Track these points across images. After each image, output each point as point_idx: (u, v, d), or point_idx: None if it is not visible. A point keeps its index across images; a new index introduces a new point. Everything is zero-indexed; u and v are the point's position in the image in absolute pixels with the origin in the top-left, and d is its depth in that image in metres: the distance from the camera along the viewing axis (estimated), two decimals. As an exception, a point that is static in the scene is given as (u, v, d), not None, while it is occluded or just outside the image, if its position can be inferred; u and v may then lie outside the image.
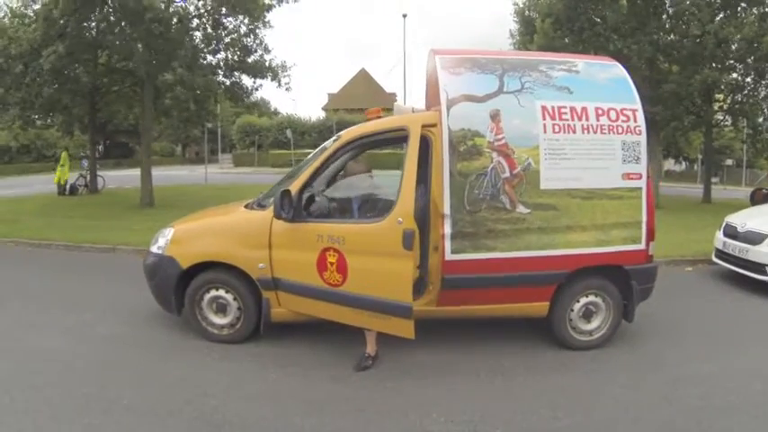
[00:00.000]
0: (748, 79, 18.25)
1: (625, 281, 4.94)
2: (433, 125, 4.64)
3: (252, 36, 16.19)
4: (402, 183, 4.31)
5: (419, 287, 4.80)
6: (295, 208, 4.62)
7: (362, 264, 4.35)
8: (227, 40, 16.04)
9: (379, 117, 5.08)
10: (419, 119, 4.69)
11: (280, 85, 16.72)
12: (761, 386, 4.51)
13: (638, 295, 4.98)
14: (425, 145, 4.67)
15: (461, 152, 4.58)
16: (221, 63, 16.60)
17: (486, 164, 4.60)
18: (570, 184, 4.70)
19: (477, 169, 4.59)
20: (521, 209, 4.65)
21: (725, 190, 29.66)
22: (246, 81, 17.29)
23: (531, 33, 19.99)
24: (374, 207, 4.89)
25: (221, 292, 4.95)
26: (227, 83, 17.04)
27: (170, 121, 20.81)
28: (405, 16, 36.38)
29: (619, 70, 5.11)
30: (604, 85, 4.97)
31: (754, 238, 7.46)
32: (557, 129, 4.68)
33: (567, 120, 4.70)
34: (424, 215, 4.77)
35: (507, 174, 4.62)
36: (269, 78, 16.58)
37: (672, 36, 17.33)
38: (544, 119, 4.67)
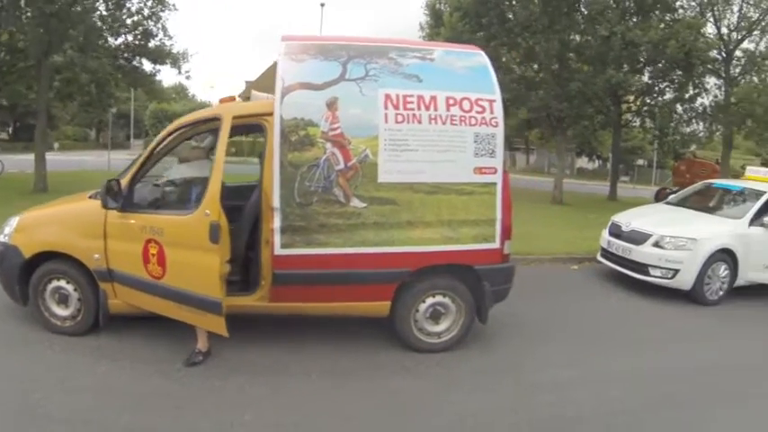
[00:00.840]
0: (662, 84, 18.73)
1: (477, 281, 4.71)
2: (266, 114, 4.41)
3: (154, 19, 15.69)
4: (211, 174, 4.08)
5: (254, 282, 4.61)
6: (125, 198, 4.43)
7: (178, 256, 4.15)
8: (129, 22, 15.50)
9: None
10: (233, 108, 4.48)
11: (180, 72, 16.52)
12: (618, 393, 4.40)
13: (490, 297, 4.75)
14: (264, 135, 4.48)
15: (293, 142, 4.31)
16: (122, 46, 16.10)
17: (319, 155, 4.35)
18: (413, 177, 4.46)
19: (308, 160, 4.34)
20: (355, 203, 4.41)
21: (634, 189, 30.27)
22: (147, 66, 16.89)
23: (440, 26, 20.03)
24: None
25: (62, 283, 4.70)
26: (127, 67, 16.54)
27: (72, 104, 20.25)
28: (323, 5, 35.79)
29: (480, 58, 4.83)
30: (461, 74, 4.69)
31: (637, 238, 7.39)
32: (400, 119, 4.43)
33: (413, 109, 4.45)
34: (257, 207, 4.56)
35: (342, 165, 4.37)
36: (168, 64, 16.30)
37: (582, 36, 17.59)
38: (386, 108, 4.41)
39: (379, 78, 4.49)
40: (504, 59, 18.40)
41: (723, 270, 7.11)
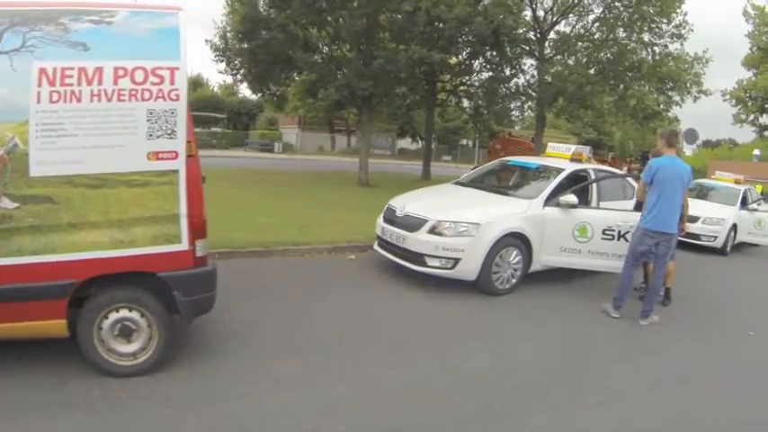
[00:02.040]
0: (474, 62, 18.97)
1: (168, 291, 3.91)
2: None
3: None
4: None
5: None
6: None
7: None
8: None
9: None
10: None
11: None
12: (344, 428, 3.54)
13: (186, 309, 3.94)
14: None
15: None
16: None
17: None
18: (72, 168, 3.56)
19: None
20: (5, 203, 3.48)
21: (456, 168, 30.61)
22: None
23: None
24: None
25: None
26: None
27: None
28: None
29: (173, 19, 3.80)
30: (143, 38, 3.72)
31: (411, 224, 6.62)
32: (56, 97, 3.43)
33: (73, 85, 3.46)
34: None
35: (-15, 158, 3.32)
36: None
37: (387, 13, 16.97)
38: (40, 85, 3.42)
39: (37, 49, 3.47)
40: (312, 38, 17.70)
41: (514, 256, 6.63)
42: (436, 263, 6.39)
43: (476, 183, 8.22)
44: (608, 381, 4.69)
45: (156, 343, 3.97)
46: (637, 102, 17.79)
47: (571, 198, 6.89)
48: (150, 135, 3.69)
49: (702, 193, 13.15)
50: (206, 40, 18.17)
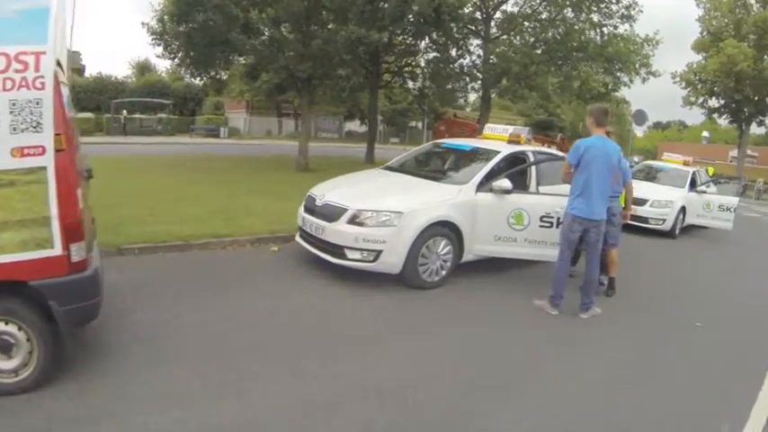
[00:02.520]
0: (420, 42, 18.31)
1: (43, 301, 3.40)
2: None
3: None
4: None
5: None
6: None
7: None
8: None
9: None
10: None
11: None
12: None
13: (64, 320, 3.40)
14: None
15: None
16: None
17: None
18: None
19: None
20: None
21: (404, 150, 31.08)
22: None
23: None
24: None
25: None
26: None
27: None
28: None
29: None
30: (9, 19, 3.21)
31: (331, 213, 6.00)
32: None
33: None
34: None
35: None
36: None
37: None
38: None
39: None
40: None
41: (443, 246, 6.03)
42: (357, 255, 5.76)
43: (405, 168, 7.57)
44: (541, 386, 4.14)
45: (37, 358, 3.47)
46: (581, 83, 17.28)
47: (505, 183, 6.28)
48: (14, 129, 3.15)
49: (651, 176, 12.84)
50: (142, 23, 17.12)
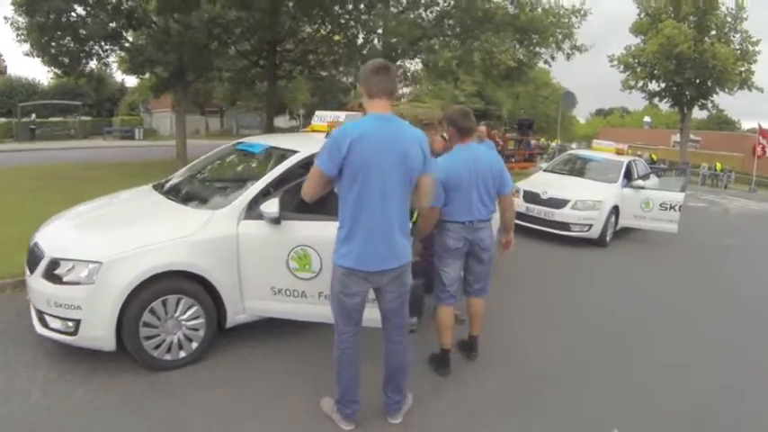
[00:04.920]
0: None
1: None
2: None
3: None
4: None
5: None
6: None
7: None
8: None
9: None
10: None
11: None
12: None
13: None
14: None
15: None
16: None
17: None
18: None
19: None
20: None
21: None
22: None
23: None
24: None
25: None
26: None
27: None
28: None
29: None
30: None
31: (35, 261, 3.74)
32: None
33: None
34: None
35: None
36: None
37: None
38: None
39: None
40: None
41: (185, 309, 3.67)
42: (58, 324, 3.61)
43: (177, 184, 4.93)
44: None
45: None
46: (485, 55, 14.42)
47: (271, 207, 3.70)
48: None
49: (576, 168, 10.38)
50: (5, 18, 14.20)
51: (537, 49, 15.71)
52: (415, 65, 17.42)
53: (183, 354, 3.73)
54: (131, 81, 35.84)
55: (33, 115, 30.32)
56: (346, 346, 2.99)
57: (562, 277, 6.97)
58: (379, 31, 15.17)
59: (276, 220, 3.66)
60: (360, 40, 15.80)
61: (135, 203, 4.59)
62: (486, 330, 4.26)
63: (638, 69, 32.10)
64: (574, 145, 35.81)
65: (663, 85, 32.30)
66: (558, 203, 8.66)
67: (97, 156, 18.83)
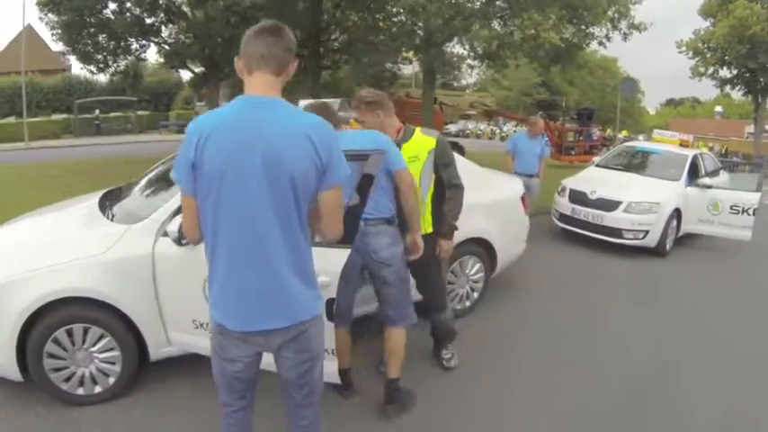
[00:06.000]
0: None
1: None
2: None
3: None
4: None
5: None
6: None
7: None
8: None
9: None
10: None
11: None
12: None
13: None
14: None
15: None
16: None
17: None
18: None
19: None
20: None
21: None
22: None
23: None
24: None
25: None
26: None
27: None
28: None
29: None
30: None
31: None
32: None
33: None
34: None
35: None
36: None
37: None
38: None
39: None
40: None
41: (94, 340, 3.01)
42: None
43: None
44: None
45: None
46: (526, 36, 12.80)
47: (174, 225, 2.90)
48: None
49: (631, 164, 8.99)
50: (39, 18, 14.25)
51: (588, 28, 14.18)
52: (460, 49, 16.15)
53: (98, 389, 3.13)
54: (187, 76, 36.87)
55: (97, 111, 31.23)
56: (231, 422, 2.09)
57: (605, 294, 5.75)
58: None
59: (178, 241, 2.82)
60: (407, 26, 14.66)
61: (67, 214, 3.92)
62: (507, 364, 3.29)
63: (708, 55, 29.73)
64: (641, 137, 33.50)
65: (735, 71, 29.84)
66: (609, 205, 7.39)
67: (145, 150, 18.63)
